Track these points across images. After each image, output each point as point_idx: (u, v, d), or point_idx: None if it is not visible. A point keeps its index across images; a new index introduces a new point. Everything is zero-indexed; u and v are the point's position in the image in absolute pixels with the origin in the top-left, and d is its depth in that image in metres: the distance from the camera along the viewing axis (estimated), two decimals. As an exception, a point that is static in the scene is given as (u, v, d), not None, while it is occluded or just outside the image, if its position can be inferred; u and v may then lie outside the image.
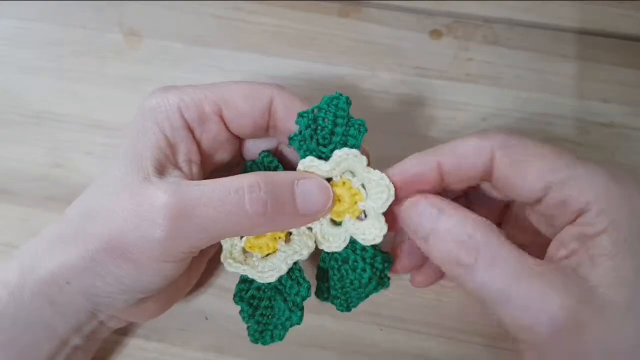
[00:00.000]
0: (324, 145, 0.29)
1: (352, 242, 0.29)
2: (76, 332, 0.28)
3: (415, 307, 0.34)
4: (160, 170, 0.27)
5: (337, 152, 0.28)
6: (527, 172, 0.26)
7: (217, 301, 0.34)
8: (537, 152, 0.26)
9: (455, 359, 0.33)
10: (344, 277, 0.29)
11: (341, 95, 0.29)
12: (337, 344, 0.33)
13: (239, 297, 0.29)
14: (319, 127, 0.29)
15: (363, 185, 0.29)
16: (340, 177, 0.29)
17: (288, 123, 0.29)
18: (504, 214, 0.31)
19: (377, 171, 0.28)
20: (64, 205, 0.37)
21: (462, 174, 0.27)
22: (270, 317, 0.29)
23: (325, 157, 0.29)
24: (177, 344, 0.34)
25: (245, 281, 0.30)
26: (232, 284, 0.30)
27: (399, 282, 0.33)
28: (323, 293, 0.30)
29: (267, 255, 0.29)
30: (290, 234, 0.29)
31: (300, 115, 0.29)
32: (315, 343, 0.33)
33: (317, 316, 0.33)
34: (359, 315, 0.33)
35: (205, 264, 0.33)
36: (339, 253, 0.29)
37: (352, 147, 0.28)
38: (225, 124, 0.29)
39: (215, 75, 0.40)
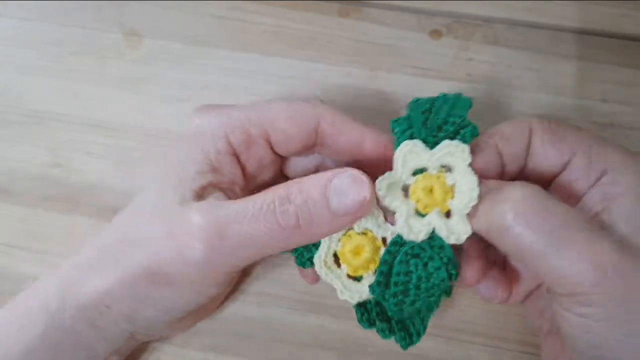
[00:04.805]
0: (431, 136, 0.27)
1: (430, 238, 0.27)
2: (115, 352, 0.29)
3: (415, 307, 0.34)
4: (201, 194, 0.27)
5: (447, 142, 0.27)
6: (560, 143, 0.27)
7: (217, 301, 0.34)
8: (566, 128, 0.28)
9: (455, 359, 0.33)
10: (411, 272, 0.26)
11: (463, 95, 0.28)
12: (337, 344, 0.33)
13: (367, 321, 0.28)
14: (431, 118, 0.28)
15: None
16: (438, 169, 0.27)
17: (338, 139, 0.28)
18: None
19: (474, 177, 0.26)
20: (64, 205, 0.37)
21: (510, 148, 0.27)
22: (408, 319, 0.28)
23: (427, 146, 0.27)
24: (177, 344, 0.33)
25: (360, 305, 0.28)
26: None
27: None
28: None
29: (360, 277, 0.28)
30: (384, 239, 0.28)
31: (416, 101, 0.28)
32: (315, 343, 0.33)
33: (317, 316, 0.33)
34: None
35: (239, 273, 0.32)
36: (410, 247, 0.26)
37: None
38: (271, 146, 0.29)
39: (215, 75, 0.40)
